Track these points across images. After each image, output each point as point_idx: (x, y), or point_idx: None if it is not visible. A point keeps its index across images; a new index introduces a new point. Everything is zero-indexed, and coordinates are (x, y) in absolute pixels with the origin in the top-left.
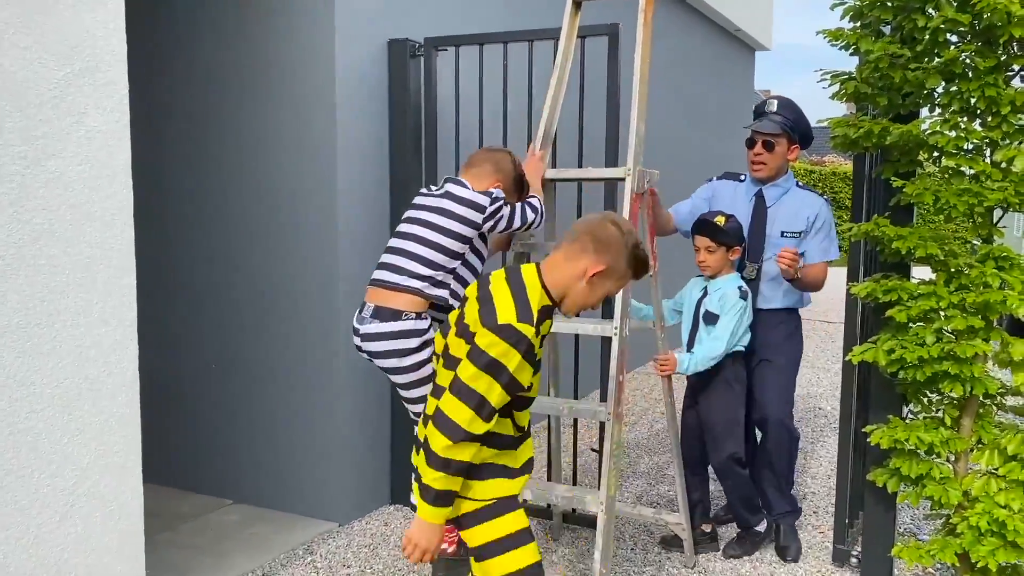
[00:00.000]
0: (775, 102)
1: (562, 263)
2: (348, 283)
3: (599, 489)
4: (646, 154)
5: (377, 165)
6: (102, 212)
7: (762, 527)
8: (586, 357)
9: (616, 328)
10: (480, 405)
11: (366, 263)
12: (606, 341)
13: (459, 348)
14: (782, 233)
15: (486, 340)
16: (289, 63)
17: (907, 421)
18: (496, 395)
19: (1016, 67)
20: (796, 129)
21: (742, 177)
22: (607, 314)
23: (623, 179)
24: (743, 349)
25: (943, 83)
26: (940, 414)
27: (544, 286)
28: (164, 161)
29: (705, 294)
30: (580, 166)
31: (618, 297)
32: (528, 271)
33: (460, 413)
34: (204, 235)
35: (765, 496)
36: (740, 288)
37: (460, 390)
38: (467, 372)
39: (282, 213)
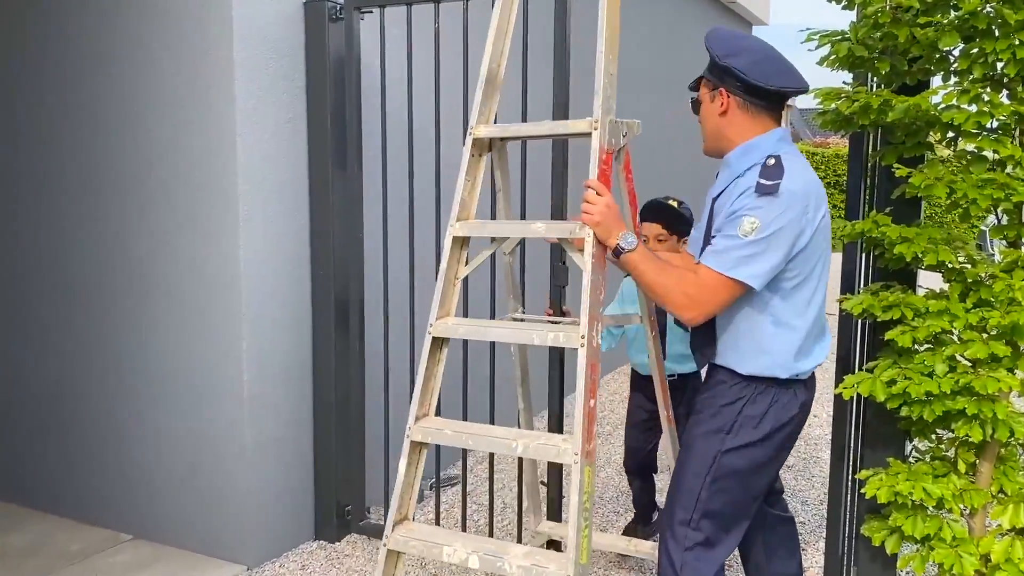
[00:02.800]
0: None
1: None
2: (254, 288)
3: (565, 549)
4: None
5: (291, 145)
6: None
7: None
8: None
9: (584, 336)
10: None
11: (278, 263)
12: (564, 354)
13: None
14: (715, 232)
15: None
16: (178, 18)
17: (911, 462)
18: None
19: None
20: (718, 67)
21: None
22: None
23: (588, 134)
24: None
25: (961, 43)
26: (952, 454)
27: None
28: (17, 135)
29: None
30: (524, 145)
31: (584, 293)
32: None
33: None
34: (76, 223)
35: None
36: None
37: None
38: None
39: (171, 200)
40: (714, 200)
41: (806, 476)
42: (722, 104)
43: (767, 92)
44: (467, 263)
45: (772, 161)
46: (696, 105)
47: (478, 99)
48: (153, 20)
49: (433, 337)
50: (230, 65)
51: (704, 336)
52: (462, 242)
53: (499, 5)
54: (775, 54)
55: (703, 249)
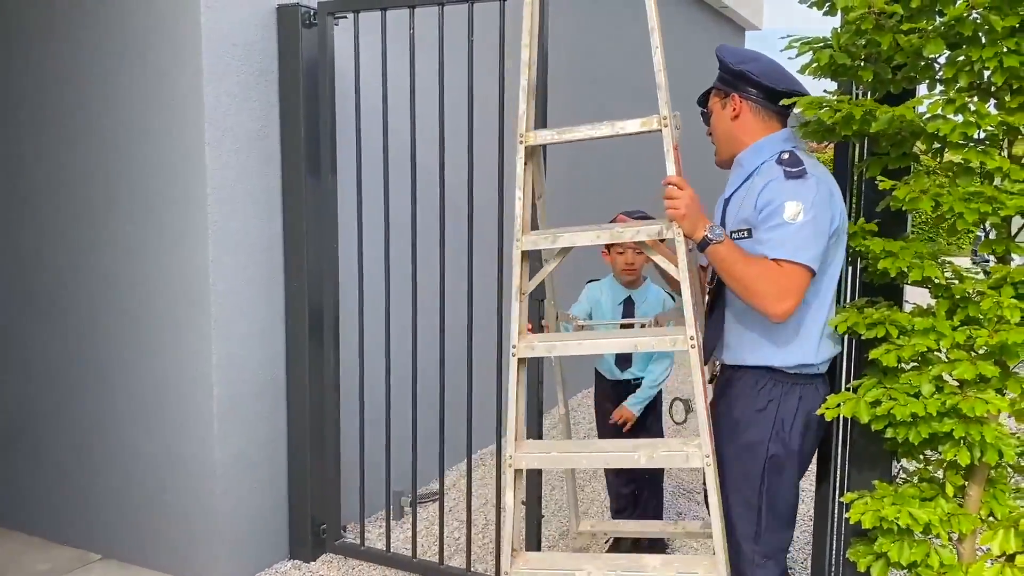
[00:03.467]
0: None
1: None
2: (224, 301)
3: (714, 552)
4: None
5: (263, 153)
6: None
7: None
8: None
9: (692, 337)
10: None
11: (249, 274)
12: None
13: None
14: (731, 233)
15: None
16: (145, 24)
17: (898, 483)
18: None
19: None
20: (731, 73)
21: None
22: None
23: (654, 131)
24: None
25: (946, 50)
26: (940, 475)
27: None
28: None
29: (628, 304)
30: (501, 141)
31: (685, 294)
32: None
33: None
34: (40, 235)
35: None
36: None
37: None
38: None
39: (139, 210)
40: (726, 201)
41: None
42: (734, 109)
43: (777, 94)
44: (530, 277)
45: (787, 155)
46: (707, 117)
47: (522, 106)
48: (121, 27)
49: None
50: (198, 72)
51: (715, 334)
52: (527, 255)
53: (528, 7)
54: (779, 64)
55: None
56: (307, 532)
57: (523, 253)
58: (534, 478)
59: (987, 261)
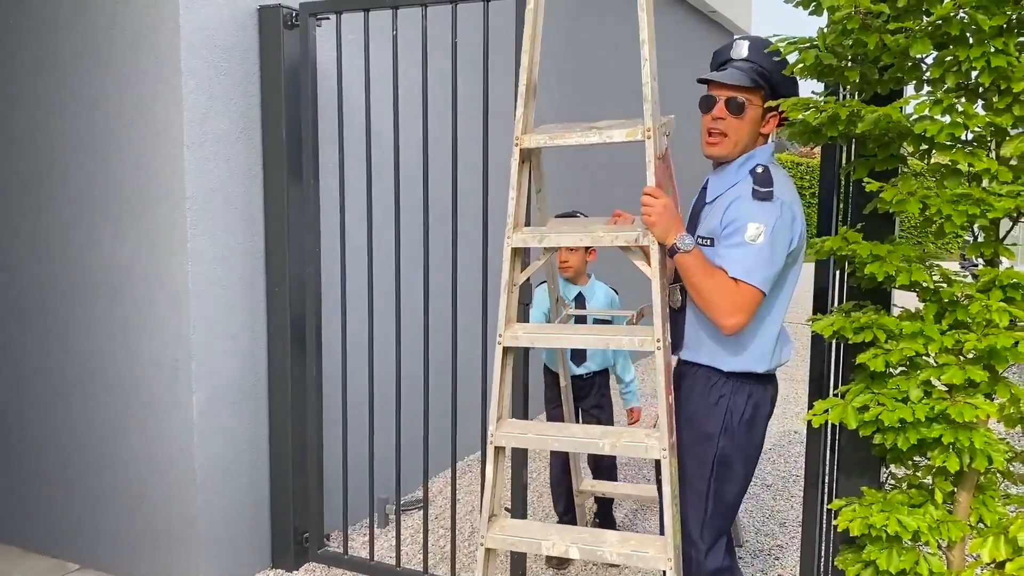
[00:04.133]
0: (745, 44)
1: None
2: (204, 306)
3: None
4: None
5: (245, 156)
6: None
7: None
8: None
9: (659, 340)
10: None
11: (230, 280)
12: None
13: None
14: (699, 238)
15: None
16: (124, 24)
17: (886, 490)
18: None
19: None
20: (775, 83)
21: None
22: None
23: (640, 141)
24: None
25: (934, 50)
26: (929, 482)
27: None
28: None
29: (579, 300)
30: (486, 143)
31: (655, 299)
32: None
33: None
34: (16, 237)
35: None
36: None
37: None
38: None
39: (117, 215)
40: (704, 206)
41: (785, 496)
42: (770, 120)
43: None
44: (522, 269)
45: (761, 170)
46: (740, 106)
47: (520, 109)
48: (100, 27)
49: (504, 347)
50: (177, 72)
51: (675, 333)
52: (518, 252)
53: (530, 13)
54: None
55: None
56: (289, 540)
57: (513, 250)
58: (519, 455)
59: (975, 265)
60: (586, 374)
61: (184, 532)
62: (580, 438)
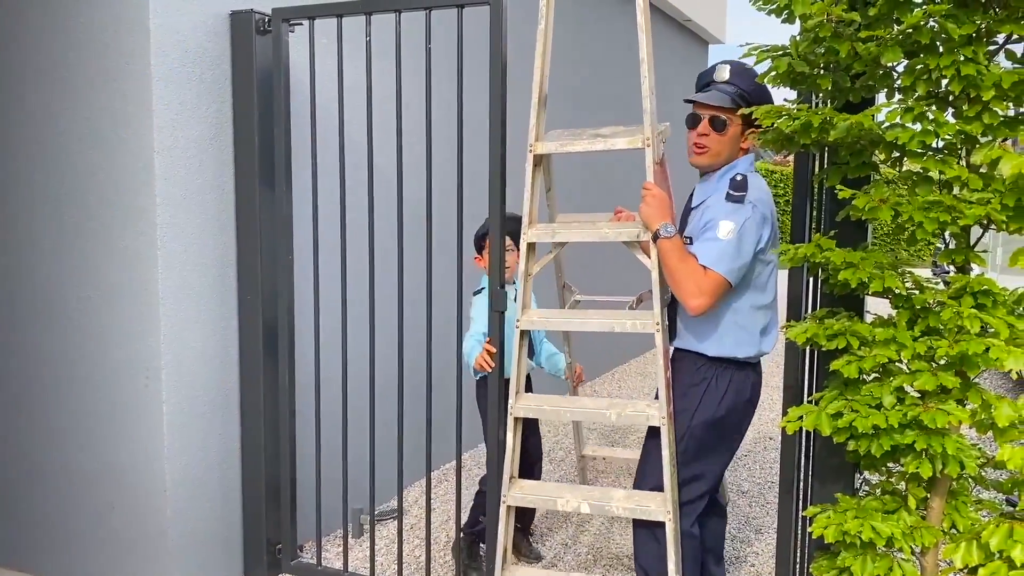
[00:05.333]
0: (727, 68)
1: None
2: (174, 314)
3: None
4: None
5: (216, 162)
6: None
7: None
8: None
9: (658, 322)
10: None
11: (200, 288)
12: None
13: None
14: (688, 240)
15: None
16: (93, 28)
17: (860, 497)
18: None
19: (1003, 35)
20: (753, 104)
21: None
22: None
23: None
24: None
25: (904, 59)
26: (903, 488)
27: None
28: None
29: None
30: (460, 149)
31: (654, 287)
32: None
33: None
34: None
35: None
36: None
37: None
38: None
39: (85, 222)
40: (692, 209)
41: (760, 502)
42: (746, 137)
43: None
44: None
45: (740, 178)
46: (722, 124)
47: (532, 119)
48: (68, 31)
49: (520, 331)
50: (147, 78)
51: (671, 322)
52: (532, 246)
53: (541, 34)
54: None
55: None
56: (262, 552)
57: (528, 244)
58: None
59: (947, 271)
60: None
61: (154, 543)
62: (590, 409)
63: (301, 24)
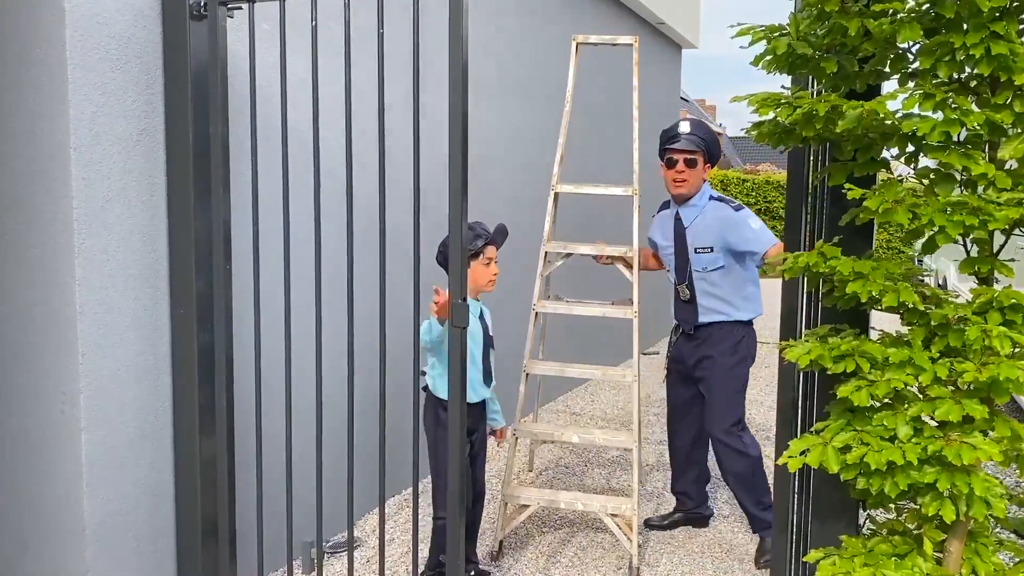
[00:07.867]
0: (687, 124)
1: None
2: (94, 332)
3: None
4: (511, 147)
5: (145, 161)
6: None
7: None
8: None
9: (636, 311)
10: None
11: (126, 302)
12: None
13: None
14: (695, 249)
15: None
16: (3, 7)
17: (865, 536)
18: None
19: None
20: (709, 147)
21: (669, 203)
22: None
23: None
24: None
25: (923, 37)
26: (914, 526)
27: None
28: None
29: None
30: (417, 148)
31: (634, 288)
32: None
33: None
34: None
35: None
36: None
37: None
38: None
39: None
40: (684, 229)
41: (743, 527)
42: (706, 169)
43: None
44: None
45: (718, 198)
46: (694, 162)
47: (556, 168)
48: None
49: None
50: (62, 64)
51: (687, 317)
52: (546, 255)
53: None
54: None
55: (677, 264)
56: (199, 565)
57: (545, 253)
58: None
59: (921, 280)
60: (477, 401)
61: (72, 560)
62: (585, 369)
63: (240, 8)
